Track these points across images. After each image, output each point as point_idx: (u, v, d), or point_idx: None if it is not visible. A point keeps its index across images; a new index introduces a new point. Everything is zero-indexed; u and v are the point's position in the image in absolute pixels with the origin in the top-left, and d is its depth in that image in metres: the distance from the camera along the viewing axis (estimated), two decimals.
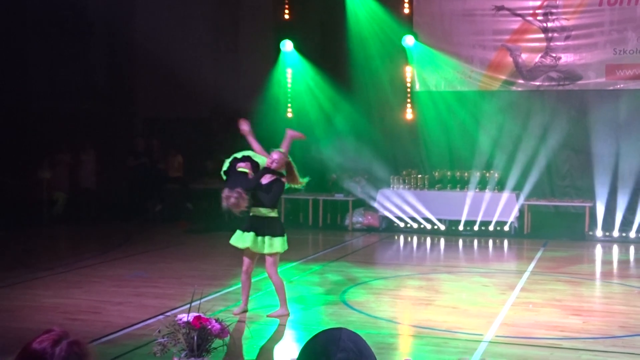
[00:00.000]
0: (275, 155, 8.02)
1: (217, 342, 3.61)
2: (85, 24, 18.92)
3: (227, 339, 3.60)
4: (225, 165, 8.27)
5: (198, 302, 4.31)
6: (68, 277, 10.17)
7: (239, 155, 8.30)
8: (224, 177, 8.26)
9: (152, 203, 16.66)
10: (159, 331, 3.64)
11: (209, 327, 3.52)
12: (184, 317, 3.55)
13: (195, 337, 3.48)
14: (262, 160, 8.18)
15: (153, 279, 10.11)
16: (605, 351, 6.97)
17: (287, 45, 16.27)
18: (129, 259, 11.72)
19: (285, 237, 8.08)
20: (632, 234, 13.87)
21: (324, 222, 15.64)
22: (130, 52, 18.75)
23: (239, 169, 8.08)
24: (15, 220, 14.48)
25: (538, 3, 15.38)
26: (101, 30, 18.97)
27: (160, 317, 8.00)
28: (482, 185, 14.86)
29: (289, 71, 16.65)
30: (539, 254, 12.44)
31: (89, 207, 16.75)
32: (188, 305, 8.35)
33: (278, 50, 16.44)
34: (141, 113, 18.84)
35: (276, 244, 7.96)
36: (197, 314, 3.55)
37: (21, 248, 12.85)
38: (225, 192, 7.74)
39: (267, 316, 8.09)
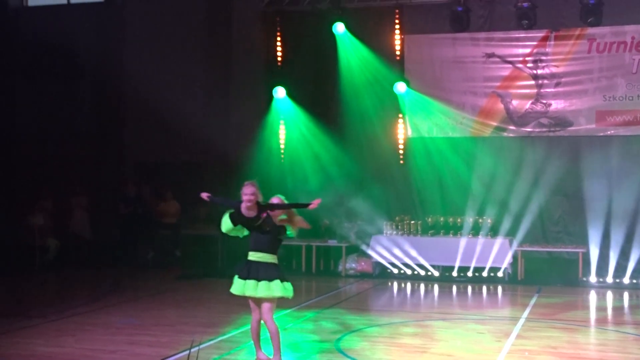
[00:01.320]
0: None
1: None
2: (75, 68, 19.02)
3: None
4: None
5: (197, 348, 4.34)
6: (60, 325, 10.12)
7: None
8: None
9: (144, 250, 16.63)
10: None
11: None
12: None
13: None
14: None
15: (146, 327, 10.08)
16: None
17: (279, 92, 16.40)
18: (120, 305, 11.68)
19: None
20: (626, 280, 13.96)
21: (317, 268, 15.66)
22: (119, 97, 18.83)
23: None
24: (6, 266, 14.39)
25: (528, 50, 15.64)
26: (90, 75, 19.09)
27: None
28: (476, 231, 14.92)
29: (282, 118, 16.75)
30: (533, 300, 12.48)
31: (81, 253, 16.69)
32: (182, 354, 8.38)
33: (270, 96, 16.57)
34: (131, 157, 18.84)
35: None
36: None
37: (13, 295, 12.81)
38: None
39: None
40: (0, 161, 18.62)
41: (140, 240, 16.69)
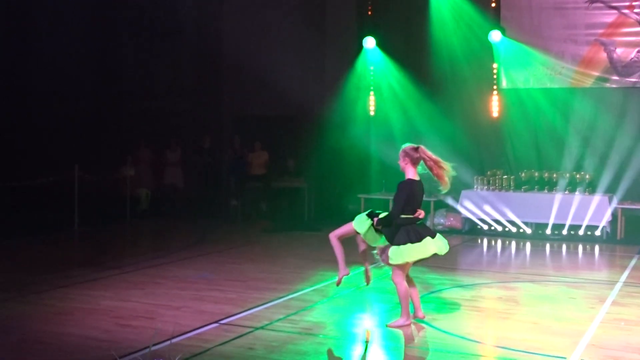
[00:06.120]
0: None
1: None
2: (176, 25, 18.53)
3: None
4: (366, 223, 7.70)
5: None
6: (133, 277, 9.51)
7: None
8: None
9: (228, 200, 16.02)
10: None
11: None
12: None
13: None
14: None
15: (218, 281, 9.33)
16: None
17: (369, 42, 15.30)
18: (200, 258, 11.01)
19: (396, 246, 7.47)
20: None
21: None
22: (218, 53, 18.16)
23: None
24: (98, 216, 13.98)
25: None
26: (191, 32, 18.52)
27: (215, 325, 7.22)
28: (572, 187, 13.54)
29: (371, 69, 15.66)
30: (632, 262, 11.06)
31: (174, 203, 16.30)
32: (248, 312, 7.57)
33: (360, 47, 15.48)
34: (229, 111, 18.21)
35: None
36: None
37: (98, 245, 12.35)
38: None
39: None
40: (102, 116, 18.50)
41: (225, 190, 16.06)
